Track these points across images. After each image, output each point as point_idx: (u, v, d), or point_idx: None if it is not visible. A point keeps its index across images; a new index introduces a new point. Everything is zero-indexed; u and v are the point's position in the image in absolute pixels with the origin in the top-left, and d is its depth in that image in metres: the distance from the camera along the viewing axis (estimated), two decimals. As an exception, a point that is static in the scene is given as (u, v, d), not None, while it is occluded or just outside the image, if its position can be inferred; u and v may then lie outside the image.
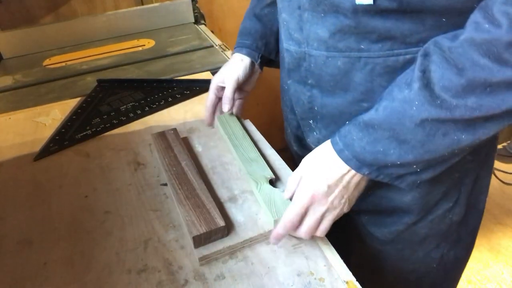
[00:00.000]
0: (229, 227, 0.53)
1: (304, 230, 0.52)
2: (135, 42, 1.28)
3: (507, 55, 0.41)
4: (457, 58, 0.44)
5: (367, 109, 0.58)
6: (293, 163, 0.81)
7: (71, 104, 0.92)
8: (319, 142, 0.70)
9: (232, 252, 0.52)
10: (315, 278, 0.48)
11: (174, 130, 0.72)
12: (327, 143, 0.55)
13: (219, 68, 1.03)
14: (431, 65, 0.46)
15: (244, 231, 0.53)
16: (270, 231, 0.53)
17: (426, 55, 0.47)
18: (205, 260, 0.50)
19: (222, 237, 0.52)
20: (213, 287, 0.48)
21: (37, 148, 0.76)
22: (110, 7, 1.43)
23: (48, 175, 0.69)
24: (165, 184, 0.64)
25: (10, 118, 0.89)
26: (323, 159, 0.54)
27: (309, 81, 0.62)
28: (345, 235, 0.93)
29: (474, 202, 0.69)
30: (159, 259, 0.52)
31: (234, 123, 0.74)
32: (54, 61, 1.21)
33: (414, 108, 0.46)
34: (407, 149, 0.48)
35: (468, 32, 0.44)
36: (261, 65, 0.79)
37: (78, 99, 0.94)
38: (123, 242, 0.54)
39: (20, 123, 0.87)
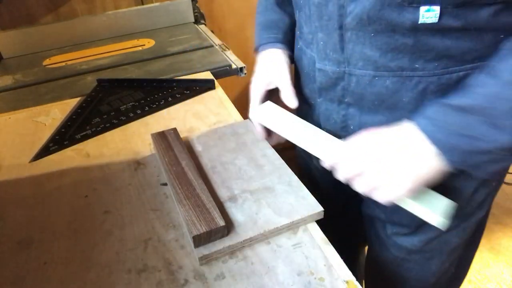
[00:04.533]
0: (229, 226, 0.53)
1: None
2: (135, 42, 1.28)
3: None
4: None
5: None
6: (308, 179, 0.78)
7: (71, 104, 0.92)
8: None
9: (232, 251, 0.52)
10: (315, 278, 0.48)
11: (174, 130, 0.72)
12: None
13: (219, 68, 1.04)
14: None
15: (244, 230, 0.53)
16: (270, 231, 0.53)
17: None
18: (205, 260, 0.50)
19: (222, 236, 0.52)
20: (213, 287, 0.48)
21: (37, 148, 0.76)
22: (110, 7, 1.43)
23: (48, 175, 0.69)
24: (165, 184, 0.64)
25: (10, 118, 0.89)
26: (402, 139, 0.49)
27: (346, 100, 0.59)
28: (352, 239, 0.92)
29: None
30: (159, 259, 0.52)
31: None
32: (54, 61, 1.20)
33: None
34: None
35: None
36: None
37: (78, 99, 0.94)
38: (123, 242, 0.54)
39: (20, 123, 0.87)
